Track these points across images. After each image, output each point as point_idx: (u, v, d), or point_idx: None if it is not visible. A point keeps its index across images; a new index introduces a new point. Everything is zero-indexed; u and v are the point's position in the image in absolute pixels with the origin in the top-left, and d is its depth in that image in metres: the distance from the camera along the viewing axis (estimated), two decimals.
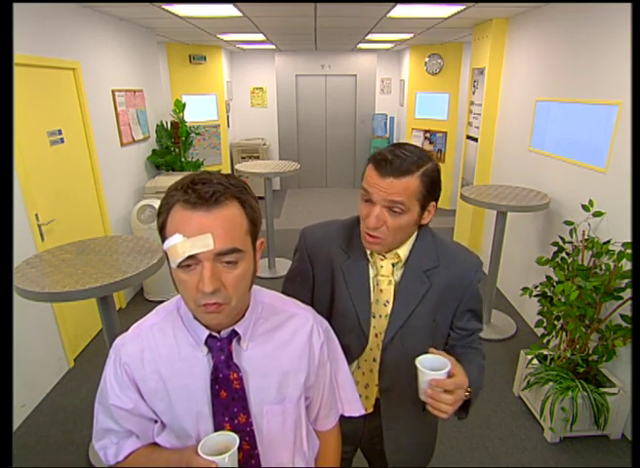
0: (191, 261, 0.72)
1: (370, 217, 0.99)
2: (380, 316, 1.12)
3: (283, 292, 1.12)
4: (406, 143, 1.03)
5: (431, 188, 1.00)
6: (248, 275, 0.78)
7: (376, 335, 1.14)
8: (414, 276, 1.09)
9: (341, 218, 1.21)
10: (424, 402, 0.93)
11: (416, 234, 1.11)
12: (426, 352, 0.96)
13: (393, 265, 1.10)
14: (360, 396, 1.09)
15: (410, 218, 1.01)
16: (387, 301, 1.11)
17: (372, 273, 1.13)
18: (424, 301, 1.10)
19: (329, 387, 0.99)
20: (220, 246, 0.71)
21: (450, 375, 0.92)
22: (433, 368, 0.92)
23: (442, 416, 0.92)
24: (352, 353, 1.16)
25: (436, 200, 1.05)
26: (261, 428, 0.90)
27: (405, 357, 1.09)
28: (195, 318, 0.85)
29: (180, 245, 0.71)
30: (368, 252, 1.11)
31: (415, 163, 0.97)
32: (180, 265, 0.73)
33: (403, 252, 1.09)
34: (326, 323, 1.00)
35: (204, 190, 0.71)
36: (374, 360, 1.17)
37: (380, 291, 1.11)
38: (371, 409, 1.21)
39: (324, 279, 1.16)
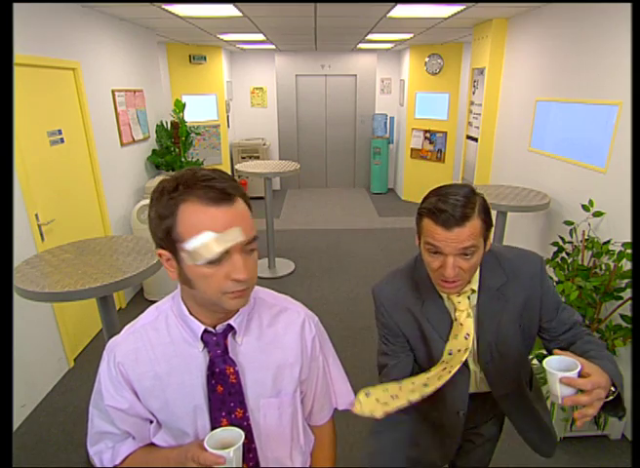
0: (221, 255, 0.74)
1: (446, 269, 1.01)
2: (459, 351, 1.13)
3: (380, 356, 1.25)
4: (446, 186, 1.05)
5: (488, 219, 1.04)
6: (258, 257, 0.84)
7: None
8: (489, 297, 1.14)
9: (400, 266, 1.25)
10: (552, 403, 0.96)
11: None
12: (552, 354, 0.95)
13: (469, 298, 1.13)
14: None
15: (480, 253, 1.05)
16: (468, 334, 1.12)
17: (450, 310, 1.16)
18: (506, 314, 1.15)
19: (322, 381, 1.01)
20: (247, 236, 0.75)
21: (583, 376, 0.89)
22: (561, 369, 0.90)
23: (584, 420, 0.87)
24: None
25: (491, 224, 1.08)
26: (258, 422, 0.91)
27: (507, 366, 1.20)
28: (191, 314, 0.85)
29: (213, 241, 0.72)
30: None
31: (469, 205, 0.99)
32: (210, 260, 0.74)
33: (475, 283, 1.14)
34: (316, 318, 1.01)
35: (221, 186, 0.74)
36: (476, 385, 1.27)
37: (460, 325, 1.13)
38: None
39: (411, 328, 1.20)
